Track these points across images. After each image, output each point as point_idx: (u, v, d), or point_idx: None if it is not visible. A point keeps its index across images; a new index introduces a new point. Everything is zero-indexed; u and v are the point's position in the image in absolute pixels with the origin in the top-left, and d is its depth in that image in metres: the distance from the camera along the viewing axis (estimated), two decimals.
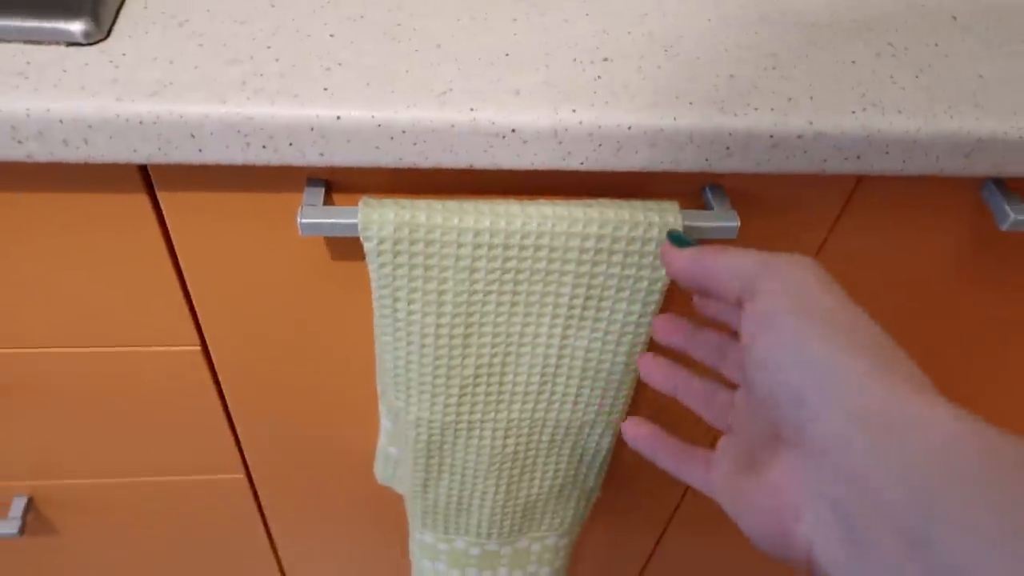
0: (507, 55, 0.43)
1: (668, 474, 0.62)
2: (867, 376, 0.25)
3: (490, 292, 0.47)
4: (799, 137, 0.42)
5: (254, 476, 0.73)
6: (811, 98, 0.43)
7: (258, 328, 0.56)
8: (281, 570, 0.91)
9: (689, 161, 0.43)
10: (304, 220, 0.43)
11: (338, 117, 0.39)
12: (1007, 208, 0.49)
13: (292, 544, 0.85)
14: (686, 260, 0.35)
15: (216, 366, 0.59)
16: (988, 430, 0.23)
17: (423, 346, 0.49)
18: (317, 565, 0.90)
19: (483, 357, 0.50)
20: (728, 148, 0.42)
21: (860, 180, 0.50)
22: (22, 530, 0.71)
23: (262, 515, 0.80)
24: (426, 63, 0.42)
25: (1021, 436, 0.23)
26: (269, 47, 0.42)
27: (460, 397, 0.52)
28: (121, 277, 0.51)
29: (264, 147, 0.40)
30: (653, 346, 0.58)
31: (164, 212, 0.47)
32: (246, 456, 0.70)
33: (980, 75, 0.47)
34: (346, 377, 0.61)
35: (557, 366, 0.51)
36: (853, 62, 0.46)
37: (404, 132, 0.40)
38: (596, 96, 0.42)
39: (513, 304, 0.48)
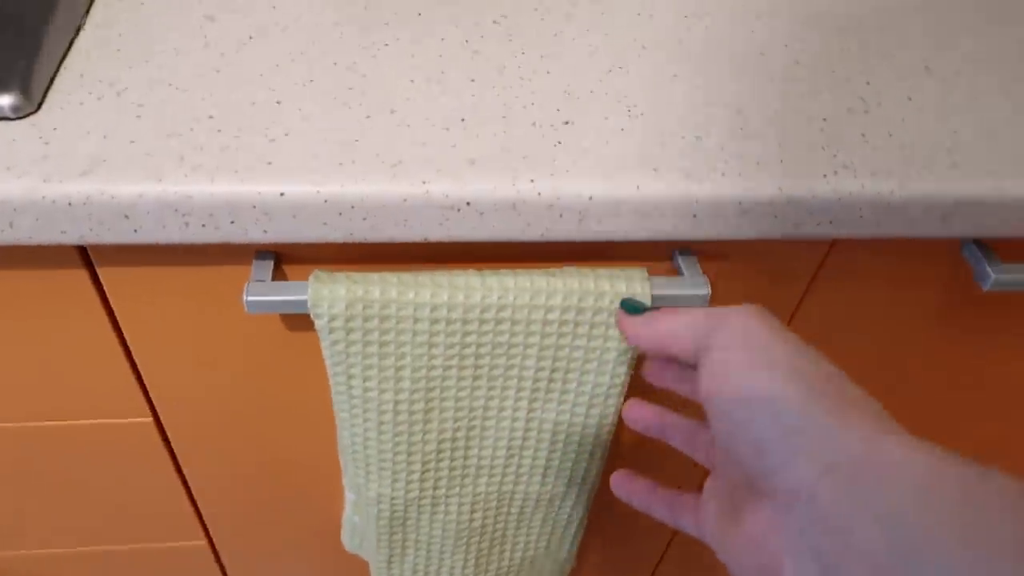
0: (463, 120, 0.41)
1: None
2: (830, 420, 0.25)
3: (450, 367, 0.44)
4: (769, 203, 0.40)
5: (216, 543, 0.70)
6: (781, 161, 0.41)
7: (211, 399, 0.53)
8: None
9: (655, 229, 0.41)
10: (250, 298, 0.41)
11: (282, 193, 0.37)
12: (988, 269, 0.47)
13: None
14: (640, 327, 0.35)
15: (169, 437, 0.56)
16: (964, 466, 0.23)
17: (381, 423, 0.46)
18: None
19: (445, 432, 0.47)
20: (695, 216, 0.41)
21: (836, 239, 0.48)
22: None
23: None
24: (378, 130, 0.40)
25: (995, 468, 0.23)
26: (211, 116, 0.40)
27: (423, 473, 0.49)
28: (65, 351, 0.48)
29: (204, 225, 0.38)
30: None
31: (105, 288, 0.44)
32: (207, 524, 0.67)
33: (955, 131, 0.45)
34: (309, 445, 0.58)
35: (524, 439, 0.49)
36: (824, 119, 0.45)
37: (353, 207, 0.38)
38: (556, 164, 0.39)
39: (475, 378, 0.45)
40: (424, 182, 0.38)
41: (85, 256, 0.43)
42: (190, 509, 0.65)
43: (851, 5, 0.55)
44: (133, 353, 0.49)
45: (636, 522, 0.74)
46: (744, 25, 0.51)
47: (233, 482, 0.62)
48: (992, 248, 0.48)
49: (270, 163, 0.37)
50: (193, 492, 0.63)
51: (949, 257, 0.51)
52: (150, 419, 0.54)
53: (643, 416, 0.38)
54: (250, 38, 0.45)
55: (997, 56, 0.51)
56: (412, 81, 0.43)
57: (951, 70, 0.50)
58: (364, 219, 0.38)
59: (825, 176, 0.41)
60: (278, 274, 0.45)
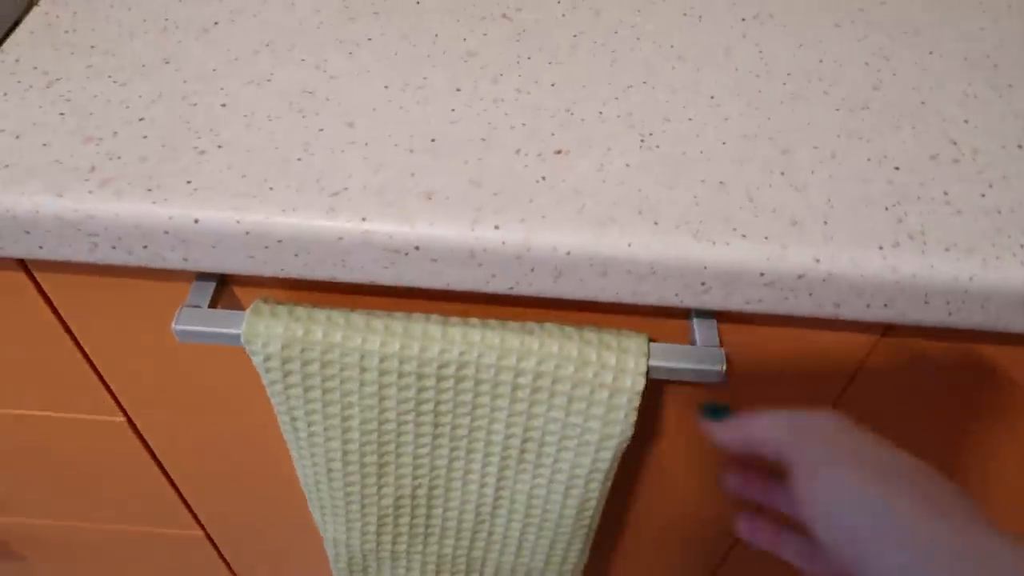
0: (433, 140, 0.34)
1: None
2: (917, 509, 0.26)
3: (406, 422, 0.38)
4: (800, 277, 0.32)
5: (210, 533, 0.67)
6: (825, 222, 0.32)
7: (179, 401, 0.49)
8: None
9: (652, 295, 0.33)
10: (179, 327, 0.36)
11: (196, 220, 0.31)
12: None
13: None
14: (725, 433, 0.34)
15: (143, 435, 0.53)
16: None
17: (330, 471, 0.41)
18: None
19: (404, 488, 0.42)
20: (704, 283, 0.32)
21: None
22: None
23: (230, 569, 0.74)
24: (328, 148, 0.34)
25: None
26: (142, 119, 0.34)
27: (379, 526, 0.44)
28: (25, 349, 0.45)
29: (114, 248, 0.33)
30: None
31: (49, 296, 0.41)
32: (197, 515, 0.65)
33: None
34: (283, 450, 0.53)
35: (495, 507, 0.42)
36: (896, 168, 0.35)
37: (280, 242, 0.32)
38: (532, 206, 0.32)
39: (436, 436, 0.39)
40: (364, 219, 0.31)
41: (23, 262, 0.39)
42: (178, 501, 0.62)
43: (978, 16, 0.44)
44: (91, 357, 0.45)
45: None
46: (815, 33, 0.42)
47: (215, 479, 0.58)
48: None
49: (189, 182, 0.32)
50: (177, 485, 0.60)
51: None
52: (123, 418, 0.51)
53: (757, 532, 0.37)
54: (215, 24, 0.39)
55: None
56: (386, 87, 0.37)
57: None
58: (296, 256, 0.32)
59: (882, 248, 0.32)
60: (226, 294, 0.40)
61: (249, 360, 0.44)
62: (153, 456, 0.56)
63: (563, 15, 0.42)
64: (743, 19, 0.42)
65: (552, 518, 0.42)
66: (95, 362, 0.46)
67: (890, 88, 0.39)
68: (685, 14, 0.42)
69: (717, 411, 0.35)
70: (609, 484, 0.40)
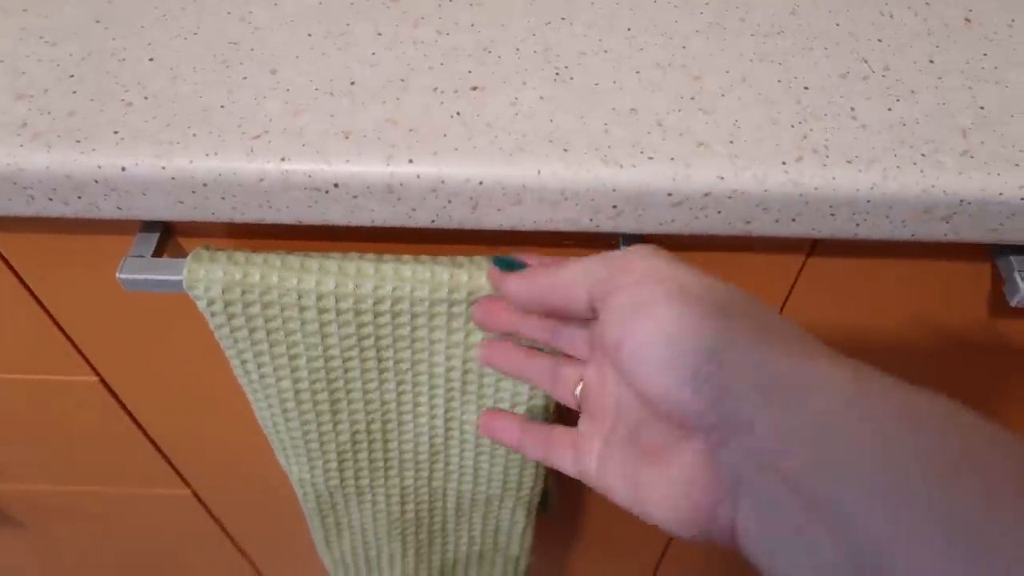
0: (353, 83, 0.36)
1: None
2: (754, 346, 0.24)
3: (351, 358, 0.40)
4: (706, 195, 0.33)
5: (197, 491, 0.70)
6: (731, 141, 0.33)
7: (149, 358, 0.51)
8: (258, 572, 0.89)
9: (567, 221, 0.34)
10: (124, 276, 0.37)
11: (123, 168, 0.33)
12: (1019, 279, 0.37)
13: (261, 549, 0.83)
14: (522, 282, 0.31)
15: (118, 395, 0.55)
16: (895, 383, 0.23)
17: (285, 411, 0.43)
18: (293, 563, 0.87)
19: (358, 424, 0.43)
20: (615, 207, 0.34)
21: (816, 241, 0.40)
22: None
23: (220, 525, 0.77)
24: (250, 95, 0.35)
25: (924, 387, 0.23)
26: (72, 76, 0.36)
27: (340, 463, 0.46)
28: None
29: (51, 200, 0.34)
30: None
31: (3, 253, 0.42)
32: (183, 474, 0.67)
33: (982, 106, 0.35)
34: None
35: (447, 438, 0.44)
36: (806, 87, 0.36)
37: (206, 185, 0.33)
38: (445, 140, 0.33)
39: (382, 371, 0.41)
40: (283, 159, 0.33)
41: None
42: (161, 460, 0.64)
43: None
44: (54, 315, 0.47)
45: (628, 532, 0.69)
46: None
47: (196, 436, 0.61)
48: None
49: (116, 131, 0.33)
50: (159, 445, 0.62)
51: (974, 268, 0.41)
52: (95, 378, 0.53)
53: (501, 356, 0.34)
54: None
55: None
56: (309, 35, 0.38)
57: (1001, 20, 0.39)
58: (222, 199, 0.34)
59: (784, 163, 0.33)
60: (171, 245, 0.41)
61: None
62: (129, 414, 0.58)
63: None
64: None
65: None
66: (59, 321, 0.47)
67: (806, 12, 0.40)
68: None
69: (510, 263, 0.33)
70: (553, 407, 0.42)
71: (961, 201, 0.33)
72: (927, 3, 0.40)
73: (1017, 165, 0.33)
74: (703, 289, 0.26)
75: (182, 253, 0.42)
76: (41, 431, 0.60)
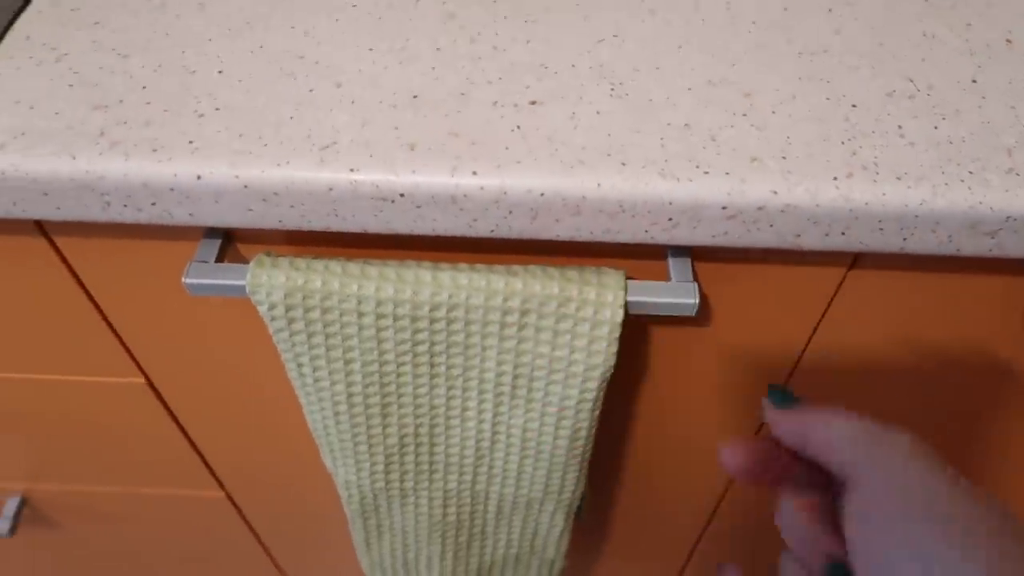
0: (415, 96, 0.37)
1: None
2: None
3: (404, 363, 0.41)
4: (760, 209, 0.34)
5: (232, 494, 0.71)
6: (783, 157, 0.35)
7: (199, 362, 0.52)
8: (281, 571, 0.90)
9: (624, 232, 0.35)
10: (189, 280, 0.39)
11: (199, 176, 0.34)
12: None
13: (291, 556, 0.84)
14: (788, 425, 0.31)
15: (164, 397, 0.56)
16: None
17: (337, 413, 0.44)
18: (318, 566, 0.88)
19: (407, 428, 0.45)
20: (671, 219, 0.35)
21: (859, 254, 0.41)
22: (13, 530, 0.72)
23: (251, 529, 0.78)
24: (317, 107, 0.36)
25: None
26: (145, 87, 0.37)
27: (387, 465, 0.47)
28: (43, 313, 0.48)
29: (125, 206, 0.35)
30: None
31: (67, 258, 0.44)
32: (219, 476, 0.68)
33: None
34: (294, 405, 0.57)
35: (493, 441, 0.45)
36: (853, 105, 0.37)
37: (276, 194, 0.34)
38: (507, 153, 0.34)
39: (433, 376, 0.42)
40: (352, 169, 0.34)
41: (41, 225, 0.42)
42: (199, 462, 0.65)
43: None
44: (109, 318, 0.49)
45: (655, 535, 0.70)
46: None
47: (236, 439, 0.62)
48: None
49: (191, 141, 0.35)
50: (198, 447, 0.63)
51: (1013, 279, 0.42)
52: (142, 380, 0.55)
53: (744, 464, 0.32)
54: None
55: None
56: (371, 50, 0.39)
57: None
58: (292, 207, 0.35)
59: (836, 179, 0.34)
60: (230, 252, 0.42)
61: (256, 317, 0.47)
62: (172, 416, 0.59)
63: None
64: None
65: (547, 449, 0.44)
66: (113, 324, 0.49)
67: (851, 32, 0.41)
68: None
69: (784, 397, 0.34)
70: (597, 414, 0.43)
71: (1008, 218, 0.34)
72: (968, 24, 0.41)
73: None
74: (951, 506, 0.26)
75: (242, 259, 0.43)
76: (82, 431, 0.61)
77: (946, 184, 0.34)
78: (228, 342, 0.49)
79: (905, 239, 0.35)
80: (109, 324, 0.49)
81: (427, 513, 0.50)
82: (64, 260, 0.44)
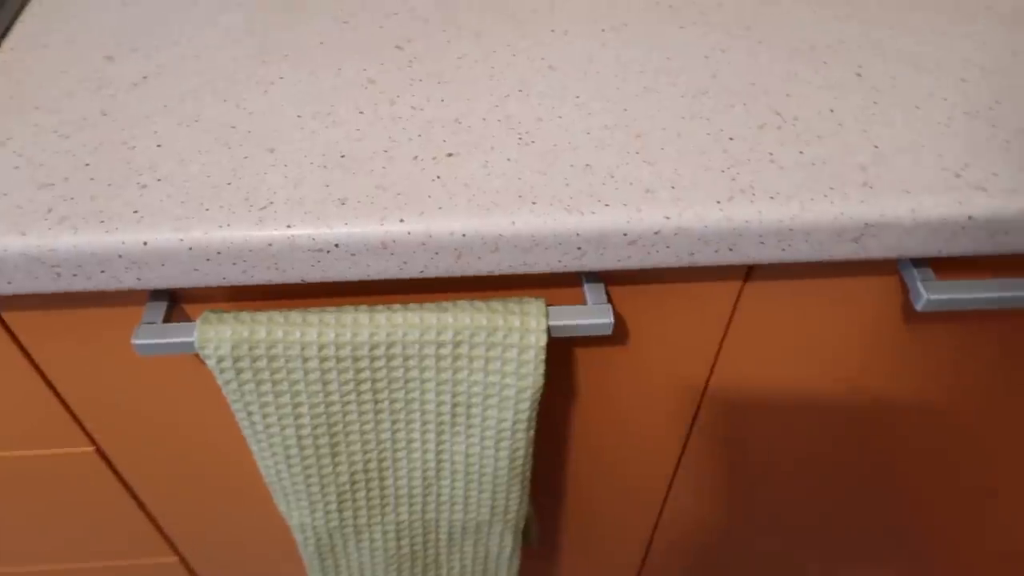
0: (343, 156, 0.41)
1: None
2: None
3: (349, 402, 0.44)
4: (656, 233, 0.39)
5: (186, 558, 0.71)
6: (673, 187, 0.39)
7: (148, 425, 0.54)
8: None
9: (540, 263, 0.40)
10: (138, 341, 0.41)
11: (145, 243, 0.37)
12: (920, 287, 0.44)
13: None
14: None
15: (114, 464, 0.57)
16: None
17: (288, 457, 0.46)
18: None
19: (356, 464, 0.47)
20: (580, 248, 0.39)
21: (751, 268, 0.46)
22: None
23: None
24: (252, 172, 0.40)
25: None
26: (88, 164, 0.40)
27: (340, 503, 0.49)
28: None
29: (75, 275, 0.38)
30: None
31: (13, 331, 0.45)
32: (172, 540, 0.68)
33: (875, 145, 0.42)
34: (251, 462, 0.58)
35: (438, 470, 0.48)
36: (731, 138, 0.42)
37: (219, 253, 0.37)
38: (430, 201, 0.38)
39: (378, 412, 0.45)
40: (289, 226, 0.37)
41: None
42: (151, 528, 0.66)
43: (801, 10, 0.52)
44: (56, 388, 0.50)
45: (603, 556, 0.73)
46: (663, 36, 0.49)
47: (189, 502, 0.63)
48: (935, 264, 0.45)
49: (136, 211, 0.37)
50: (150, 512, 0.64)
51: (887, 279, 0.48)
52: (92, 448, 0.56)
53: None
54: (144, 78, 0.45)
55: (930, 60, 0.48)
56: (299, 116, 0.43)
57: (883, 73, 0.47)
58: (234, 264, 0.38)
59: (719, 202, 0.39)
60: (176, 313, 0.45)
61: (204, 374, 0.49)
62: (123, 483, 0.60)
63: (448, 41, 0.48)
64: (603, 30, 0.50)
65: (489, 472, 0.47)
66: (60, 392, 0.50)
67: (725, 75, 0.47)
68: (553, 30, 0.50)
69: None
70: (532, 434, 0.46)
71: (866, 224, 0.39)
72: (824, 62, 0.48)
73: (907, 192, 0.40)
74: None
75: (187, 318, 0.45)
76: (29, 507, 0.61)
77: (812, 199, 0.39)
78: (177, 402, 0.51)
79: (784, 250, 0.40)
80: (56, 393, 0.50)
81: (382, 547, 0.52)
82: (10, 333, 0.46)
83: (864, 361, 0.53)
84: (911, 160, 0.41)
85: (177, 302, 0.45)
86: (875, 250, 0.41)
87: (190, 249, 0.37)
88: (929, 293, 0.43)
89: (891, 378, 0.55)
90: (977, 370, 0.55)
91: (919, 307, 0.44)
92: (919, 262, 0.45)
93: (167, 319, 0.43)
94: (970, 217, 0.39)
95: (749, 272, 0.46)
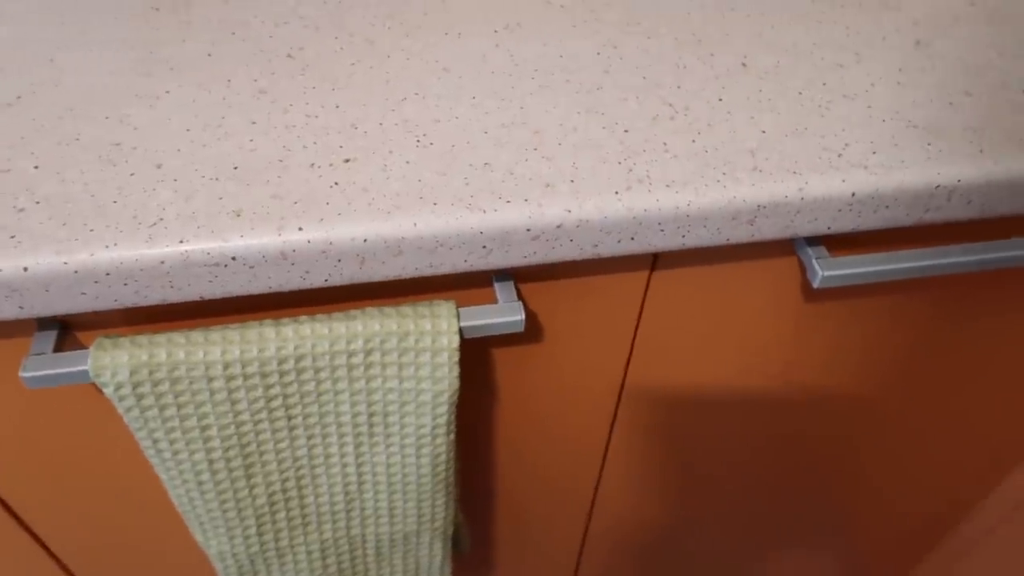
0: (236, 168, 0.39)
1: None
2: None
3: (260, 420, 0.43)
4: (559, 227, 0.39)
5: None
6: (571, 181, 0.40)
7: (46, 463, 0.51)
8: None
9: (446, 264, 0.39)
10: (27, 374, 0.39)
11: (25, 268, 0.35)
12: (815, 264, 0.46)
13: None
14: None
15: (13, 509, 0.54)
16: None
17: (200, 483, 0.44)
18: None
19: (273, 485, 0.46)
20: (484, 247, 0.39)
21: (657, 257, 0.47)
22: None
23: None
24: (140, 189, 0.38)
25: None
26: None
27: (259, 527, 0.47)
28: None
29: None
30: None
31: None
32: None
33: (763, 131, 0.44)
34: (163, 492, 0.56)
35: (360, 483, 0.47)
36: (626, 130, 0.43)
37: (108, 275, 0.36)
38: (328, 207, 0.38)
39: (292, 428, 0.44)
40: (181, 241, 0.36)
41: None
42: (61, 574, 0.62)
43: (686, 4, 0.54)
44: None
45: (537, 560, 0.73)
46: (556, 34, 0.50)
47: (99, 538, 0.60)
48: (830, 242, 0.47)
49: (13, 236, 0.35)
50: (58, 556, 0.60)
51: (787, 259, 0.49)
52: None
53: None
54: (18, 98, 0.43)
55: (811, 47, 0.50)
56: (188, 130, 0.41)
57: (767, 64, 0.49)
58: (125, 285, 0.36)
59: (617, 193, 0.40)
60: (70, 341, 0.43)
61: (103, 402, 0.47)
62: (25, 527, 0.57)
63: (341, 48, 0.48)
64: (496, 31, 0.50)
65: (412, 480, 0.47)
66: None
67: (618, 70, 0.48)
68: (447, 33, 0.50)
69: None
70: (453, 438, 0.46)
71: (758, 206, 0.41)
72: (712, 54, 0.49)
73: (795, 173, 0.41)
74: None
75: (81, 347, 0.43)
76: None
77: (706, 186, 0.40)
78: (76, 434, 0.49)
79: (684, 236, 0.41)
80: None
81: (307, 568, 0.51)
82: None
83: (771, 343, 0.55)
84: (796, 143, 0.43)
85: (70, 330, 0.43)
86: (769, 231, 0.42)
87: (75, 272, 0.35)
88: (824, 270, 0.45)
89: (799, 357, 0.57)
90: (879, 344, 0.58)
91: (816, 284, 0.46)
92: (813, 242, 0.47)
93: (58, 348, 0.41)
94: (853, 194, 0.41)
95: (655, 262, 0.47)
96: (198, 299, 0.38)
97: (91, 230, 0.36)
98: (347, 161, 0.40)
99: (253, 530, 0.47)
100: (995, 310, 0.58)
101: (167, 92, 0.44)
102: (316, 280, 0.39)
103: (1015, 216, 0.50)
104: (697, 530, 0.80)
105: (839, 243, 0.49)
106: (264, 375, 0.41)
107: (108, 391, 0.40)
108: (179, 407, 0.41)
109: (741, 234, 0.42)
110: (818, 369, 0.59)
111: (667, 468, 0.68)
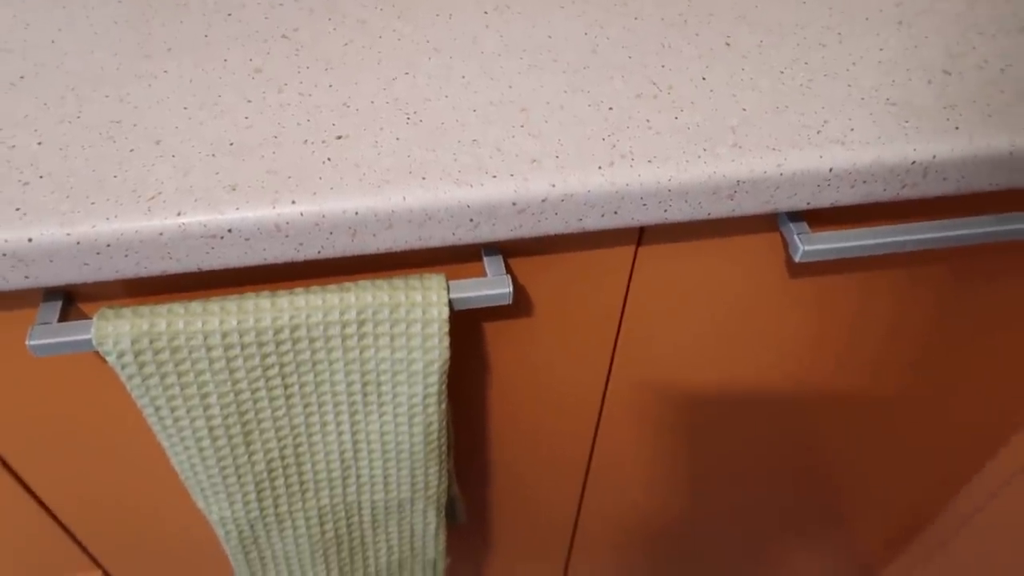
0: (232, 144, 0.41)
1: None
2: None
3: (258, 389, 0.44)
4: (543, 201, 0.40)
5: (109, 570, 0.70)
6: (557, 156, 0.41)
7: (53, 431, 0.53)
8: None
9: (435, 237, 0.41)
10: (33, 342, 0.40)
11: (30, 239, 0.36)
12: (797, 239, 0.47)
13: None
14: None
15: (20, 475, 0.56)
16: None
17: (201, 449, 0.46)
18: None
19: (272, 452, 0.47)
20: (472, 220, 0.40)
21: (644, 228, 0.48)
22: None
23: None
24: (139, 164, 0.39)
25: None
26: None
27: (258, 493, 0.49)
28: None
29: None
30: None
31: None
32: (93, 554, 0.67)
33: (744, 108, 0.45)
34: (165, 460, 0.58)
35: (355, 451, 0.49)
36: (611, 108, 0.44)
37: (109, 246, 0.37)
38: (321, 182, 0.39)
39: (288, 397, 0.45)
40: (179, 213, 0.37)
41: None
42: (69, 541, 0.64)
43: None
44: None
45: (533, 534, 0.75)
46: (544, 15, 0.51)
47: (106, 506, 0.61)
48: (812, 217, 0.48)
49: (18, 209, 0.37)
50: (66, 524, 0.62)
51: (770, 233, 0.51)
52: None
53: None
54: (21, 78, 0.44)
55: (794, 24, 0.51)
56: (185, 108, 0.43)
57: (752, 43, 0.50)
58: (126, 256, 0.38)
59: (600, 168, 0.41)
60: (73, 312, 0.44)
61: (107, 371, 0.49)
62: (32, 495, 0.58)
63: (334, 29, 0.49)
64: (485, 12, 0.51)
65: (405, 448, 0.48)
66: None
67: (605, 50, 0.49)
68: (438, 14, 0.51)
69: None
70: (445, 407, 0.47)
71: (738, 182, 0.42)
72: (697, 34, 0.50)
73: (774, 150, 0.42)
74: None
75: (84, 317, 0.45)
76: None
77: (687, 161, 0.42)
78: (80, 403, 0.50)
79: (666, 210, 0.43)
80: None
81: (306, 534, 0.53)
82: None
83: (756, 316, 0.57)
84: (777, 120, 0.44)
85: (74, 301, 0.44)
86: (750, 206, 0.44)
87: (78, 243, 0.37)
88: (805, 244, 0.47)
89: (783, 331, 0.59)
90: (862, 320, 0.59)
91: (797, 258, 0.47)
92: (796, 218, 0.48)
93: (63, 318, 0.42)
94: (831, 169, 0.43)
95: (641, 237, 0.49)
96: (196, 270, 0.40)
97: (92, 203, 0.37)
98: (339, 138, 0.42)
99: (253, 496, 0.49)
100: (977, 285, 0.59)
101: (165, 72, 0.45)
102: (309, 252, 0.40)
103: (998, 192, 0.51)
104: (693, 498, 0.81)
105: (822, 220, 0.50)
106: (261, 344, 0.42)
107: (111, 359, 0.41)
108: (179, 375, 0.42)
109: (722, 209, 0.43)
110: (803, 343, 0.61)
111: (658, 438, 0.70)
